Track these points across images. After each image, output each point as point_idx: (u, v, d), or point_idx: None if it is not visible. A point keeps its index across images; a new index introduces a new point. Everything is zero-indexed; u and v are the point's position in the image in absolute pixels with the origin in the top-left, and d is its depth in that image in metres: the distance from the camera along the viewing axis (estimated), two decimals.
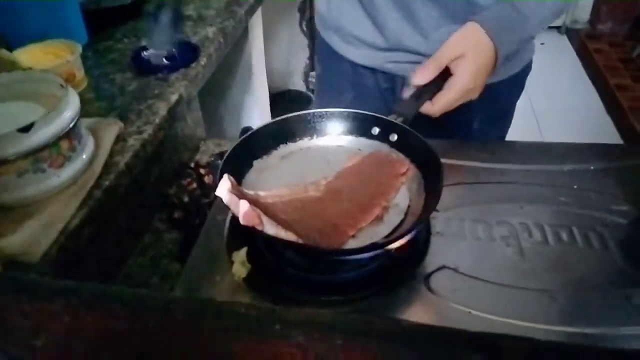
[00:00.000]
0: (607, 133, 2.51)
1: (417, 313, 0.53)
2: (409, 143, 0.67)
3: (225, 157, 0.62)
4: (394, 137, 0.70)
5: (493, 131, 1.00)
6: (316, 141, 0.72)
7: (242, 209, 0.51)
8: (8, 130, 0.57)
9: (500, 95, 0.92)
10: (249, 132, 0.67)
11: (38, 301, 0.24)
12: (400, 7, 0.83)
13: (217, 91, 1.39)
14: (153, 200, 0.86)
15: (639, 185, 0.68)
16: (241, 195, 0.53)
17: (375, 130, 0.71)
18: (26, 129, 0.58)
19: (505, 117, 1.02)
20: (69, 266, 0.61)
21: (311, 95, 2.56)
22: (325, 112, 0.72)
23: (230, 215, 0.65)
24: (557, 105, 2.72)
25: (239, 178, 0.63)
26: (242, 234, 0.60)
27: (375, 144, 0.71)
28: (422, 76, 0.71)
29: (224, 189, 0.53)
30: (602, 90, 2.80)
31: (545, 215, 0.64)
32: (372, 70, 0.94)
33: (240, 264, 0.57)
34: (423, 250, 0.59)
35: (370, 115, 0.71)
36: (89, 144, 0.69)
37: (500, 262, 0.58)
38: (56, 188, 0.62)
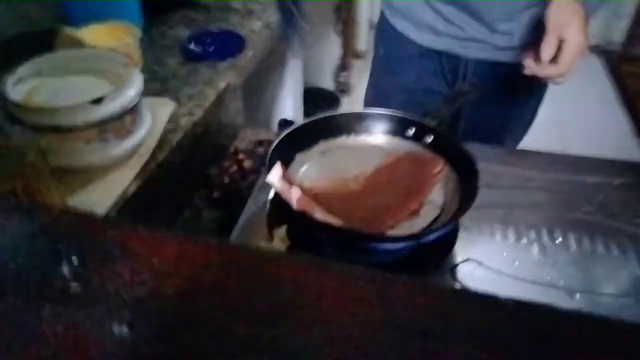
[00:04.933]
0: (635, 157, 2.50)
1: None
2: (443, 145, 0.71)
3: (272, 147, 0.66)
4: (428, 139, 0.74)
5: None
6: (353, 139, 0.76)
7: (295, 196, 0.55)
8: (79, 101, 0.63)
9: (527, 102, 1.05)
10: (292, 127, 0.71)
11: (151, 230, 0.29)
12: (464, 8, 0.92)
13: (256, 83, 1.44)
14: (195, 178, 0.91)
15: None
16: (292, 183, 0.58)
17: (411, 132, 0.75)
18: (98, 101, 0.64)
19: (531, 121, 1.11)
20: None
21: (339, 95, 2.61)
22: (363, 112, 0.76)
23: (271, 196, 0.70)
24: (586, 128, 2.71)
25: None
26: (282, 214, 0.65)
27: (411, 144, 0.75)
28: (548, 51, 0.80)
29: (275, 176, 0.58)
30: (634, 115, 2.78)
31: (569, 222, 0.68)
32: (438, 52, 1.01)
33: (280, 239, 0.62)
34: (451, 242, 0.63)
35: (406, 117, 0.75)
36: (148, 119, 0.74)
37: (523, 259, 0.62)
38: (118, 157, 0.68)
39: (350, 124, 0.77)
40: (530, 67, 0.84)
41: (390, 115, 0.76)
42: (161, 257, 0.27)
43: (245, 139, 1.11)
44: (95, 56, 0.76)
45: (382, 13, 1.10)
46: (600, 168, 0.78)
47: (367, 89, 1.20)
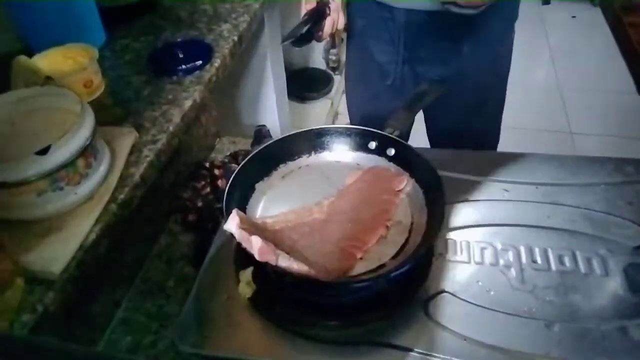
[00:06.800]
0: (637, 116, 2.43)
1: (413, 339, 0.54)
2: (406, 157, 0.69)
3: (228, 184, 0.63)
4: (391, 152, 0.71)
5: (487, 57, 0.97)
6: (314, 158, 0.73)
7: (256, 246, 0.53)
8: (26, 152, 0.60)
9: (487, 19, 0.89)
10: (248, 157, 0.68)
11: None
12: None
13: (232, 80, 1.39)
14: (168, 203, 0.89)
15: None
16: (252, 230, 0.55)
17: (372, 145, 0.72)
18: (43, 152, 0.61)
19: (498, 43, 0.98)
20: (87, 279, 0.64)
21: (331, 73, 2.53)
22: (322, 128, 0.73)
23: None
24: (586, 83, 2.63)
25: (243, 202, 0.65)
26: (248, 257, 0.63)
27: (373, 158, 0.72)
28: None
29: (233, 224, 0.55)
30: (636, 69, 2.69)
31: (551, 238, 0.64)
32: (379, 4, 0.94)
33: (246, 283, 0.60)
34: (424, 274, 0.60)
35: (367, 130, 0.72)
36: (105, 157, 0.71)
37: (500, 288, 0.59)
38: (74, 204, 0.65)
39: (309, 142, 0.73)
40: None
41: (351, 129, 0.73)
42: None
43: (222, 150, 1.09)
44: (46, 94, 0.73)
45: None
46: (585, 168, 0.74)
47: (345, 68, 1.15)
